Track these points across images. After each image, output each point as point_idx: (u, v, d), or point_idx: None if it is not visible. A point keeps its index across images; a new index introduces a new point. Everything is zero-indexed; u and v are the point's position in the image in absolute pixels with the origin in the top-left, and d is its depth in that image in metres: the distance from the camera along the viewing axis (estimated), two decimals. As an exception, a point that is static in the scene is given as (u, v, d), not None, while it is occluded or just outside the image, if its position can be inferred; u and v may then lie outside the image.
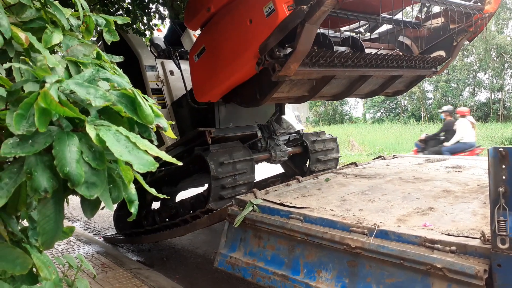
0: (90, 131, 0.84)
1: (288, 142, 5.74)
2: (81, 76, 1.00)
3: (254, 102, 3.91)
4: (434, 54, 4.43)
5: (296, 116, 7.72)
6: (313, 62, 3.40)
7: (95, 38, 5.97)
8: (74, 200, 1.27)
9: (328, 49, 3.49)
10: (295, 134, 5.91)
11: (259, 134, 5.00)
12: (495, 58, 32.05)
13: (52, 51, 1.36)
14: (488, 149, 2.23)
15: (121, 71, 1.32)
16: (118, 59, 1.51)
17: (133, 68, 5.11)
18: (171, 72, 5.26)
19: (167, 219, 5.29)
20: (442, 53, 4.41)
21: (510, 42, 30.15)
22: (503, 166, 2.17)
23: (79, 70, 1.21)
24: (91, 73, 1.01)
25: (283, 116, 5.86)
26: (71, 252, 5.38)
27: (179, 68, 5.05)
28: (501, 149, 2.17)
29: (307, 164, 5.65)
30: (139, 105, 0.96)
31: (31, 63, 1.02)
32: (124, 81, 1.05)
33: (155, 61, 5.21)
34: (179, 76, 5.13)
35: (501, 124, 26.09)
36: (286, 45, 3.27)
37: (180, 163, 1.03)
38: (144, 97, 1.04)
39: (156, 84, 5.05)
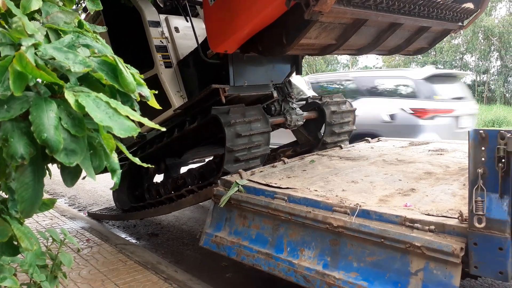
0: (69, 97, 0.82)
1: (301, 107, 5.33)
2: (60, 41, 0.97)
3: (279, 48, 3.55)
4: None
5: (307, 82, 7.32)
6: (348, 0, 3.18)
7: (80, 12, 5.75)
8: (58, 176, 1.25)
9: None
10: (305, 100, 5.53)
11: (275, 95, 4.62)
12: (482, 41, 32.53)
13: (32, 18, 1.31)
14: (468, 131, 2.28)
15: (104, 41, 1.28)
16: (102, 29, 1.46)
17: (135, 25, 4.74)
18: (176, 29, 4.87)
19: (172, 191, 4.95)
20: (470, 5, 4.18)
21: (498, 25, 30.58)
22: (483, 148, 2.22)
23: (60, 38, 1.17)
24: (70, 39, 0.97)
25: (293, 82, 5.43)
26: (55, 228, 5.35)
27: (189, 18, 4.59)
28: (481, 131, 2.21)
29: (322, 131, 5.35)
30: (121, 73, 0.93)
31: (7, 27, 0.98)
32: (105, 47, 1.02)
33: (158, 17, 4.81)
34: (184, 33, 4.81)
35: (485, 106, 26.65)
36: None
37: (164, 129, 1.02)
38: (126, 67, 1.02)
39: (161, 41, 4.67)
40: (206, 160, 5.93)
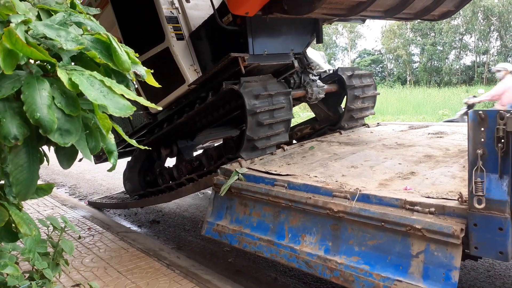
0: (62, 75, 0.80)
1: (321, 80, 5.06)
2: (52, 19, 0.94)
3: (306, 6, 3.32)
4: None
5: (322, 56, 7.13)
6: None
7: None
8: (58, 166, 1.24)
9: None
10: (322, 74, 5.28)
11: (296, 65, 4.33)
12: (481, 21, 32.25)
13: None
14: (468, 112, 2.27)
15: (98, 22, 1.26)
16: (95, 11, 1.43)
17: None
18: None
19: (187, 174, 4.73)
20: None
21: (497, 4, 30.25)
22: (482, 129, 2.21)
23: (51, 19, 1.14)
24: (62, 16, 0.95)
25: (308, 55, 5.11)
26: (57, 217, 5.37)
27: None
28: (480, 111, 2.20)
29: (342, 106, 5.10)
30: (115, 51, 0.91)
31: (-5, 5, 0.95)
32: (99, 26, 0.99)
33: None
34: (195, 3, 4.59)
35: (484, 87, 26.56)
36: None
37: (160, 108, 1.00)
38: (121, 45, 0.99)
39: (171, 12, 4.42)
40: (216, 144, 5.80)
